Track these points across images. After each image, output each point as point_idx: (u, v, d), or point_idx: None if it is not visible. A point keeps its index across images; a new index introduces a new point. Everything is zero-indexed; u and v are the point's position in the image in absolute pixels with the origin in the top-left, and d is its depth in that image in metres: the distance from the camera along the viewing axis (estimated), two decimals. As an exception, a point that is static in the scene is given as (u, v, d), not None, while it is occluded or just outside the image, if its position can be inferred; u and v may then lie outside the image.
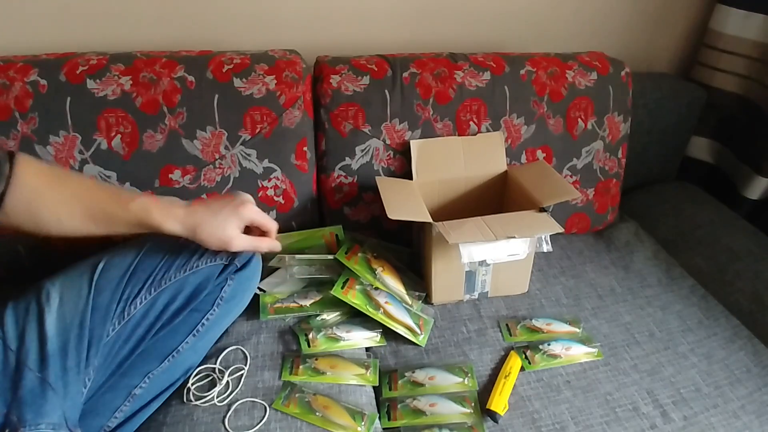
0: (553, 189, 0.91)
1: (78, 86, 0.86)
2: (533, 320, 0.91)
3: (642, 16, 1.30)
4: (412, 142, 0.99)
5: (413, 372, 0.81)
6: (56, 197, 0.66)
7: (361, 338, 0.85)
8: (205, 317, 0.75)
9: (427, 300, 0.95)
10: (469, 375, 0.81)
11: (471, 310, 0.94)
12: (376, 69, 0.99)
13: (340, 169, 1.00)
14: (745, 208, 1.28)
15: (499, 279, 0.95)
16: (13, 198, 0.62)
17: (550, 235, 0.87)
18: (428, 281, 0.94)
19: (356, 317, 0.88)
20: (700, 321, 0.94)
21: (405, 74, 0.99)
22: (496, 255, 0.86)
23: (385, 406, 0.77)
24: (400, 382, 0.80)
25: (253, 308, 0.86)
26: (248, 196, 0.74)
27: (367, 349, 0.87)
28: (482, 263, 0.91)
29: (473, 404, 0.77)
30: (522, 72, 1.04)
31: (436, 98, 0.99)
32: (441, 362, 0.84)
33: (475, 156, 1.01)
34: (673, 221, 1.19)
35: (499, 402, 0.76)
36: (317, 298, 0.90)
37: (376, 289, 0.88)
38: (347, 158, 1.00)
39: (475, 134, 1.02)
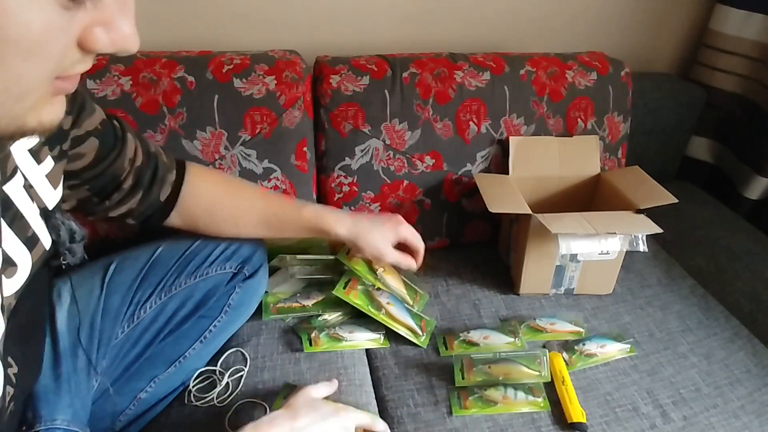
0: (650, 193, 0.93)
1: (78, 86, 0.86)
2: (537, 320, 0.91)
3: (642, 16, 1.30)
4: (511, 138, 1.02)
5: (468, 332, 0.86)
6: (234, 205, 0.75)
7: (363, 339, 0.85)
8: (213, 324, 0.76)
9: (514, 291, 0.98)
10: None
11: (471, 310, 0.94)
12: (375, 69, 0.99)
13: (339, 169, 1.00)
14: (745, 208, 1.28)
15: (586, 277, 0.96)
16: (189, 204, 0.72)
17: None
18: (518, 273, 0.96)
19: (359, 318, 0.88)
20: (700, 321, 0.94)
21: (405, 74, 0.99)
22: (591, 251, 0.89)
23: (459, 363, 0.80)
24: (456, 342, 0.85)
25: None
26: (400, 217, 0.82)
27: (368, 350, 0.87)
28: (573, 259, 0.93)
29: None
30: (522, 72, 1.04)
31: (436, 98, 0.99)
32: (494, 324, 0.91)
33: (570, 156, 1.04)
34: (673, 221, 1.19)
35: (577, 411, 0.74)
36: (319, 298, 0.90)
37: (378, 289, 0.88)
38: (347, 158, 0.99)
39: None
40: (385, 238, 0.79)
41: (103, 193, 0.65)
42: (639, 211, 0.91)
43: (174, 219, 0.73)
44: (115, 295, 0.70)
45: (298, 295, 0.91)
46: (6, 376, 0.47)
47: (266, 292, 0.90)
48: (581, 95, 1.06)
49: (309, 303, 0.90)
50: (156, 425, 0.71)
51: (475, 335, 0.86)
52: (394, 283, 0.91)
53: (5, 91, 0.29)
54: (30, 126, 0.32)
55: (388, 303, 0.87)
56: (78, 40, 0.30)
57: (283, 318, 0.88)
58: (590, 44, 1.25)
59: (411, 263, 0.84)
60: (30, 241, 0.47)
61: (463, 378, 0.78)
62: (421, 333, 0.87)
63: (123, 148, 0.64)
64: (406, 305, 0.89)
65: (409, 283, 0.95)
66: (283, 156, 0.96)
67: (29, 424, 0.57)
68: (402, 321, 0.86)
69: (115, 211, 0.67)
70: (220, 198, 0.75)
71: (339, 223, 0.77)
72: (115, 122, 0.65)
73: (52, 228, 0.51)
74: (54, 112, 0.33)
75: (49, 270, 0.53)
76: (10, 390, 0.47)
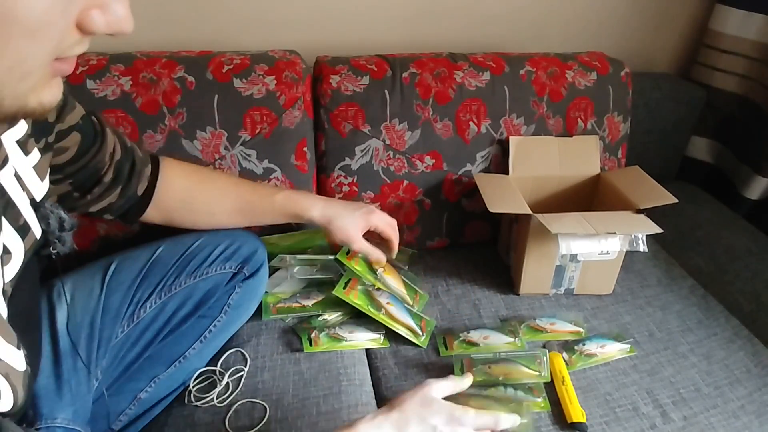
0: (650, 193, 0.93)
1: (78, 86, 0.86)
2: (537, 320, 0.91)
3: (642, 16, 1.30)
4: (511, 138, 1.02)
5: (468, 332, 0.86)
6: (208, 194, 0.77)
7: (363, 339, 0.85)
8: (213, 324, 0.76)
9: (514, 291, 0.98)
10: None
11: (471, 310, 0.94)
12: (375, 69, 0.99)
13: (339, 169, 1.00)
14: (745, 208, 1.28)
15: (586, 277, 0.96)
16: (165, 196, 0.73)
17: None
18: (518, 273, 0.96)
19: (359, 317, 0.88)
20: (700, 321, 0.94)
21: (405, 74, 0.99)
22: (590, 251, 0.89)
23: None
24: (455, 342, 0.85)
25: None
26: (373, 206, 0.83)
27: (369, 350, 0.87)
28: (573, 259, 0.93)
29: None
30: (522, 72, 1.04)
31: (436, 98, 0.99)
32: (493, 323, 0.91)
33: (570, 156, 1.04)
34: (673, 221, 1.19)
35: (577, 411, 0.74)
36: (319, 298, 0.91)
37: (378, 289, 0.88)
38: (347, 158, 0.99)
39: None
40: (356, 225, 0.79)
41: (85, 188, 0.66)
42: (639, 211, 0.91)
43: (151, 213, 0.73)
44: (115, 294, 0.70)
45: (298, 295, 0.91)
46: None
47: (266, 292, 0.90)
48: (581, 95, 1.06)
49: (309, 303, 0.90)
50: (156, 425, 0.71)
51: (475, 335, 0.86)
52: (394, 283, 0.91)
53: (9, 71, 0.30)
54: (31, 106, 0.33)
55: (388, 303, 0.87)
56: (76, 22, 0.32)
57: (283, 318, 0.89)
58: (590, 44, 1.25)
59: (380, 257, 0.84)
60: (22, 229, 0.48)
61: None
62: (421, 333, 0.87)
63: (103, 142, 0.66)
64: (406, 305, 0.89)
65: (409, 283, 0.95)
66: (283, 156, 0.96)
67: (30, 422, 0.57)
68: (402, 321, 0.86)
69: (96, 205, 0.68)
70: (194, 188, 0.76)
71: (312, 207, 0.78)
72: (94, 118, 0.66)
73: (41, 217, 0.52)
74: (53, 94, 0.35)
75: (39, 260, 0.54)
76: (29, 370, 0.47)
